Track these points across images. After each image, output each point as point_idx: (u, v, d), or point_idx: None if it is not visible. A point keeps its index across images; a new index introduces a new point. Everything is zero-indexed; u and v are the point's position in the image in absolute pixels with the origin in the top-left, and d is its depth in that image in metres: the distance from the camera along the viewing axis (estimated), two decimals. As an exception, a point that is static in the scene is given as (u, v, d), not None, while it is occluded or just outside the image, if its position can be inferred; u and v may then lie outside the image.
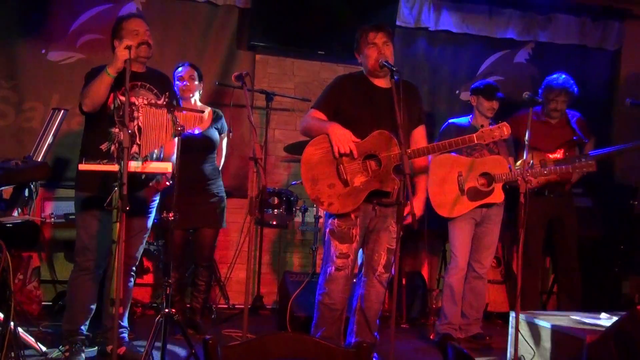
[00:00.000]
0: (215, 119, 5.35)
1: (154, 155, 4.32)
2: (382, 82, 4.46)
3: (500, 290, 6.35)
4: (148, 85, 4.36)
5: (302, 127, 4.52)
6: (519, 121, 5.49)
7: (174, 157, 4.16)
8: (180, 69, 5.26)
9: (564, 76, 5.81)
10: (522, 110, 5.72)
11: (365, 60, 4.44)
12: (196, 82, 5.26)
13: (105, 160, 3.98)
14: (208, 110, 5.34)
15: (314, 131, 4.39)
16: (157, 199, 4.54)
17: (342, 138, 4.22)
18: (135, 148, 4.20)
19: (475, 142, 4.33)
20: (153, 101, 4.29)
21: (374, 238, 4.46)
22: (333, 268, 4.36)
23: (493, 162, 5.22)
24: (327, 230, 4.42)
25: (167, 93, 4.44)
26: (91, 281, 4.34)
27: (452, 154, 5.22)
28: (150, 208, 4.50)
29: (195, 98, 5.30)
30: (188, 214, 5.07)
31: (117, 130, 4.21)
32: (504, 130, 4.29)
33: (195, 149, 5.15)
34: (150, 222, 4.54)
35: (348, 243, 4.34)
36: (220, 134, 5.36)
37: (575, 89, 5.78)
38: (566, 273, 6.08)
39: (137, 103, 4.25)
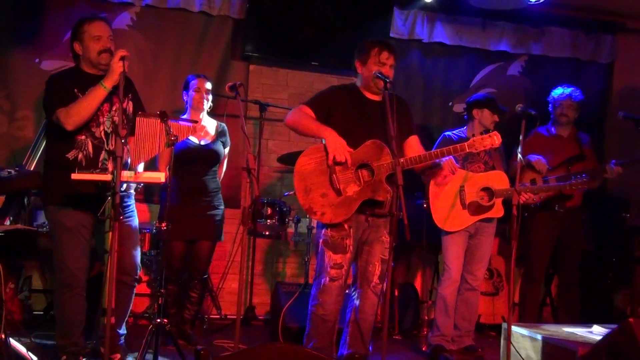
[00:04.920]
0: (221, 132, 5.34)
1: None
2: (374, 95, 4.50)
3: (493, 302, 6.35)
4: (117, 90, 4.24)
5: (291, 119, 4.46)
6: (529, 143, 5.62)
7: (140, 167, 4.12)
8: (195, 80, 5.21)
9: (568, 87, 5.98)
10: (532, 131, 5.82)
11: (367, 76, 4.45)
12: (210, 95, 5.26)
13: (97, 170, 3.95)
14: (214, 123, 5.34)
15: (305, 128, 4.39)
16: (130, 202, 4.39)
17: (339, 146, 4.23)
18: (103, 154, 4.15)
19: (467, 150, 4.36)
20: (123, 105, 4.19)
21: (367, 249, 4.46)
22: (327, 279, 4.35)
23: (495, 177, 5.25)
24: (321, 240, 4.41)
25: (129, 95, 4.32)
26: (77, 295, 4.21)
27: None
28: (127, 212, 4.34)
29: (206, 110, 5.29)
30: (187, 225, 5.07)
31: (83, 137, 4.12)
32: (495, 139, 4.33)
33: (200, 161, 5.16)
34: (134, 223, 4.39)
35: (342, 253, 4.34)
36: (224, 146, 5.36)
37: (578, 93, 5.93)
38: (566, 288, 6.11)
39: (101, 108, 4.14)
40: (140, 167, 4.25)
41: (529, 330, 4.60)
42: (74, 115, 4.01)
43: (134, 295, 4.46)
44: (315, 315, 4.42)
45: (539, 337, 4.47)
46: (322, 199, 4.30)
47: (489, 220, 5.32)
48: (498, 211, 5.25)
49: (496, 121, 5.42)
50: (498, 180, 5.25)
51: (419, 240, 6.02)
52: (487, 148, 4.40)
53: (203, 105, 5.19)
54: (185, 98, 5.25)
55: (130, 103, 4.32)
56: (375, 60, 4.42)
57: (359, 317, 4.46)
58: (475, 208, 5.22)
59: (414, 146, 4.57)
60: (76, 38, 4.19)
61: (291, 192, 5.05)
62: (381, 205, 4.33)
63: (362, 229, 4.41)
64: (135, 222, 4.43)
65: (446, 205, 5.23)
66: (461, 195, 5.22)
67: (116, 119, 4.06)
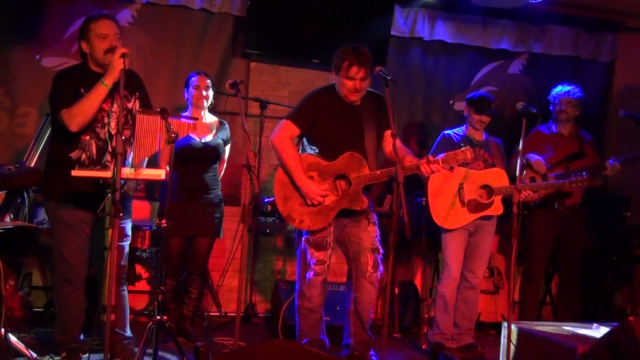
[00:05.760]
0: (222, 129, 5.34)
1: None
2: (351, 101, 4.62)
3: (493, 300, 6.34)
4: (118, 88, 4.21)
5: (277, 145, 4.58)
6: (529, 141, 5.61)
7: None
8: (195, 77, 5.21)
9: (567, 85, 5.96)
10: (533, 129, 5.77)
11: (339, 86, 4.57)
12: (210, 92, 5.25)
13: (98, 167, 3.94)
14: (215, 120, 5.34)
15: (286, 165, 4.54)
16: (128, 204, 4.38)
17: (313, 195, 4.45)
18: (107, 156, 4.14)
19: (441, 165, 4.41)
20: (129, 104, 4.19)
21: (355, 242, 4.64)
22: (312, 274, 4.57)
23: (494, 175, 5.25)
24: (304, 239, 4.61)
25: (137, 93, 4.31)
26: (77, 290, 4.22)
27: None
28: (124, 213, 4.30)
29: (207, 107, 5.28)
30: (186, 221, 5.07)
31: (87, 138, 4.11)
32: (467, 154, 4.41)
33: (200, 158, 5.16)
34: (128, 227, 4.39)
35: (324, 250, 4.56)
36: (225, 144, 5.35)
37: (577, 90, 5.91)
38: (566, 287, 6.11)
39: (106, 109, 4.14)
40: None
41: (529, 328, 4.60)
42: (77, 116, 3.98)
43: (127, 292, 4.44)
44: (304, 309, 4.65)
45: (539, 335, 4.47)
46: (300, 207, 4.51)
47: (488, 218, 5.32)
48: (497, 209, 5.26)
49: (484, 122, 5.39)
50: (497, 177, 5.25)
51: (419, 238, 6.02)
52: (459, 162, 4.48)
53: (202, 102, 5.18)
54: (186, 95, 5.25)
55: (137, 102, 4.30)
56: (344, 74, 4.50)
57: (359, 308, 4.64)
58: (475, 206, 5.22)
59: (389, 141, 4.62)
60: (83, 37, 4.16)
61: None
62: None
63: (342, 224, 4.62)
64: (129, 227, 4.40)
65: (446, 203, 5.23)
66: (460, 193, 5.22)
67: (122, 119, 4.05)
